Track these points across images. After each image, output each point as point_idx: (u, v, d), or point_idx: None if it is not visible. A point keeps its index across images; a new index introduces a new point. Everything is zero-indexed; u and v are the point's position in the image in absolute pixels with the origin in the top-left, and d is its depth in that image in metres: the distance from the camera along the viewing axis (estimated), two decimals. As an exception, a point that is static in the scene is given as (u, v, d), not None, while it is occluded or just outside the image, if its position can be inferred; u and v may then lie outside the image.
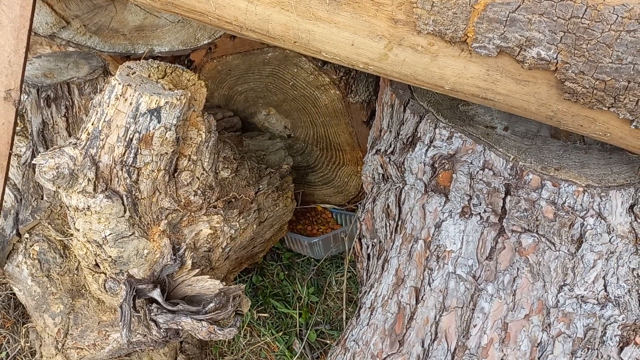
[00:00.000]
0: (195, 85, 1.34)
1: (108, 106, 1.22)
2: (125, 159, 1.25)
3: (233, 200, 1.56)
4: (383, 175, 1.47)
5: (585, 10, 0.85)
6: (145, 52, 1.72)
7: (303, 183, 2.19)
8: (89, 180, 1.23)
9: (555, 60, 0.91)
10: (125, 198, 1.27)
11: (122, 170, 1.25)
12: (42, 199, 1.64)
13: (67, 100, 1.63)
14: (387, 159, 1.42)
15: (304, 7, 0.99)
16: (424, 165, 1.30)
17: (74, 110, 1.65)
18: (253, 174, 1.69)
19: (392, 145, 1.42)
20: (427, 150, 1.30)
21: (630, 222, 1.14)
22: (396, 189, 1.40)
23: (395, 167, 1.39)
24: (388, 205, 1.42)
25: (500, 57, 0.94)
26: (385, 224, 1.44)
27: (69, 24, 1.63)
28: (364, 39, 1.00)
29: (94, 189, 1.25)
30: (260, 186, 1.72)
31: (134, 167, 1.26)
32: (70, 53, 1.79)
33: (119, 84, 1.21)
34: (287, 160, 1.96)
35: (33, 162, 1.23)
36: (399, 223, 1.38)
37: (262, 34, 1.10)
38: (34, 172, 1.38)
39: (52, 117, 1.64)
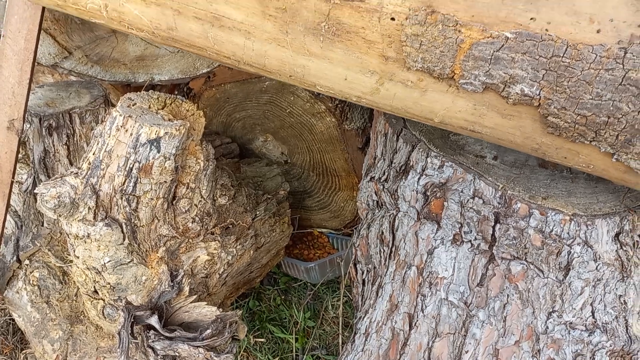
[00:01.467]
0: (194, 115, 1.38)
1: (109, 137, 1.26)
2: (125, 188, 1.28)
3: (230, 226, 1.58)
4: (377, 201, 1.50)
5: (566, 49, 0.89)
6: (146, 81, 1.76)
7: (300, 208, 2.22)
8: (89, 208, 1.26)
9: (538, 96, 0.95)
10: (124, 226, 1.30)
11: (121, 198, 1.28)
12: (42, 225, 1.67)
13: (68, 128, 1.67)
14: (381, 186, 1.45)
15: (299, 43, 1.03)
16: (417, 193, 1.34)
17: (75, 139, 1.69)
18: (250, 200, 1.72)
19: (386, 173, 1.45)
20: (419, 179, 1.33)
21: (616, 250, 1.17)
22: (390, 215, 1.42)
23: (388, 194, 1.42)
24: (382, 232, 1.45)
25: (486, 93, 0.98)
26: (380, 250, 1.47)
27: (71, 54, 1.67)
28: (356, 74, 1.04)
29: (94, 217, 1.27)
30: (257, 212, 1.74)
31: (134, 195, 1.29)
32: (72, 82, 1.83)
33: (120, 115, 1.25)
34: (284, 186, 1.99)
35: (35, 191, 1.26)
36: (393, 249, 1.41)
37: (259, 68, 1.14)
38: (35, 199, 1.41)
39: (54, 145, 1.67)
